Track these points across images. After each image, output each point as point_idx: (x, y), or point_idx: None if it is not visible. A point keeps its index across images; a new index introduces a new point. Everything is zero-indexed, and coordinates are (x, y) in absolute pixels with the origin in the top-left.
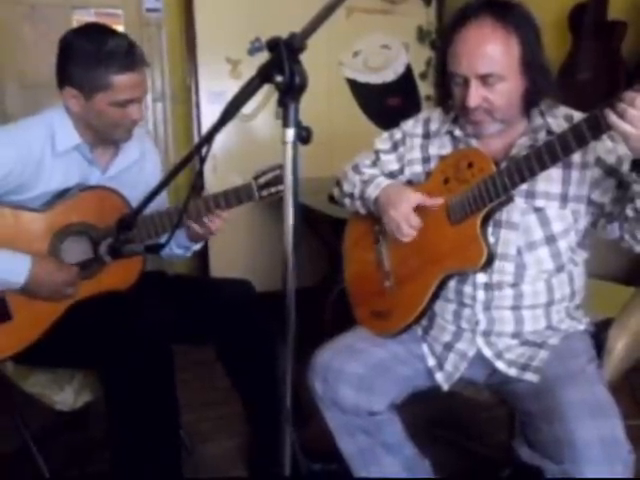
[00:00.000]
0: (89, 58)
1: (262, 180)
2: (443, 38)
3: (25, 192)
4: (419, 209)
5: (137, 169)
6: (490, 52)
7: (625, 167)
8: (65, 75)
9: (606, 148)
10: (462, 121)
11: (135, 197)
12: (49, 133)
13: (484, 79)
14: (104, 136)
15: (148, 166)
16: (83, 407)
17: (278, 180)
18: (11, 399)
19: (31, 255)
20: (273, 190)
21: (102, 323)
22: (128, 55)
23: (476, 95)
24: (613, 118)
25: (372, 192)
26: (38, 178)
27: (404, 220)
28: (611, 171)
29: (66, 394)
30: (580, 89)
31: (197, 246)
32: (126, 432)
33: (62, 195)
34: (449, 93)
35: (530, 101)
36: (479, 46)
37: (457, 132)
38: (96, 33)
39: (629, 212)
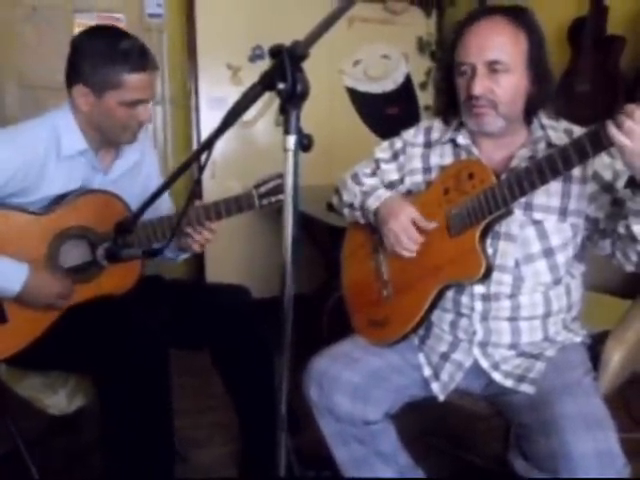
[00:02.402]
0: (103, 56)
1: (263, 189)
2: (450, 38)
3: (27, 195)
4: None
5: (137, 171)
6: (499, 41)
7: (620, 183)
8: (76, 73)
9: (603, 163)
10: (466, 117)
11: (134, 198)
12: (54, 136)
13: (491, 67)
14: (110, 138)
15: (146, 167)
16: (76, 411)
17: (279, 189)
18: (3, 402)
19: (29, 264)
20: (273, 199)
21: (98, 327)
22: (141, 56)
23: (481, 83)
24: (612, 129)
25: (372, 203)
26: (41, 182)
27: (403, 233)
28: (607, 187)
29: (59, 398)
30: (579, 102)
31: (184, 255)
32: (120, 437)
33: (63, 198)
34: (451, 101)
35: (533, 105)
36: (489, 35)
37: (460, 139)
38: (109, 33)
39: (621, 229)
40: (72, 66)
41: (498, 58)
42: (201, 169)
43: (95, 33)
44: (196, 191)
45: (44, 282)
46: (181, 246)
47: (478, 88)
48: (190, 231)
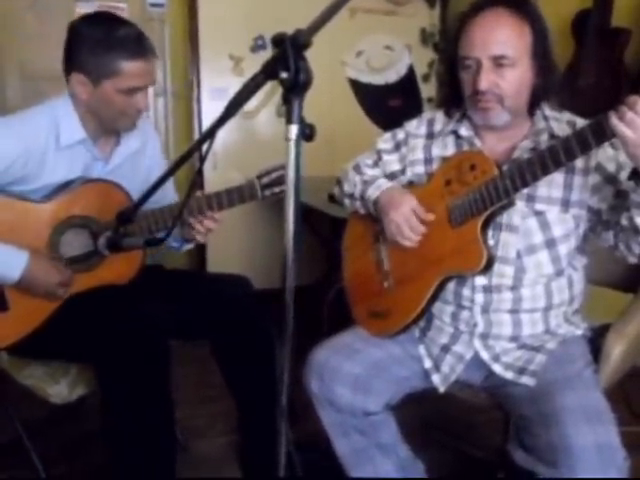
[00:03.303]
0: (99, 43)
1: (266, 180)
2: (454, 29)
3: (28, 183)
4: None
5: (138, 159)
6: (504, 35)
7: (624, 175)
8: (73, 61)
9: (607, 155)
10: (471, 111)
11: (136, 185)
12: (53, 125)
13: (496, 61)
14: (109, 125)
15: (148, 158)
16: (78, 400)
17: (282, 180)
18: (5, 390)
19: (29, 251)
20: (276, 190)
21: (100, 317)
22: (138, 43)
23: (487, 78)
24: (614, 120)
25: (372, 193)
26: (41, 170)
27: (405, 223)
28: (610, 179)
29: (61, 387)
30: (582, 95)
31: (188, 246)
32: (121, 427)
33: (65, 187)
34: (455, 93)
35: (537, 97)
36: (494, 29)
37: (462, 131)
38: (106, 20)
39: (624, 221)
40: (69, 53)
41: (504, 53)
42: (202, 159)
43: (92, 20)
44: (197, 182)
45: (44, 270)
46: (185, 236)
47: (484, 83)
48: (192, 221)
